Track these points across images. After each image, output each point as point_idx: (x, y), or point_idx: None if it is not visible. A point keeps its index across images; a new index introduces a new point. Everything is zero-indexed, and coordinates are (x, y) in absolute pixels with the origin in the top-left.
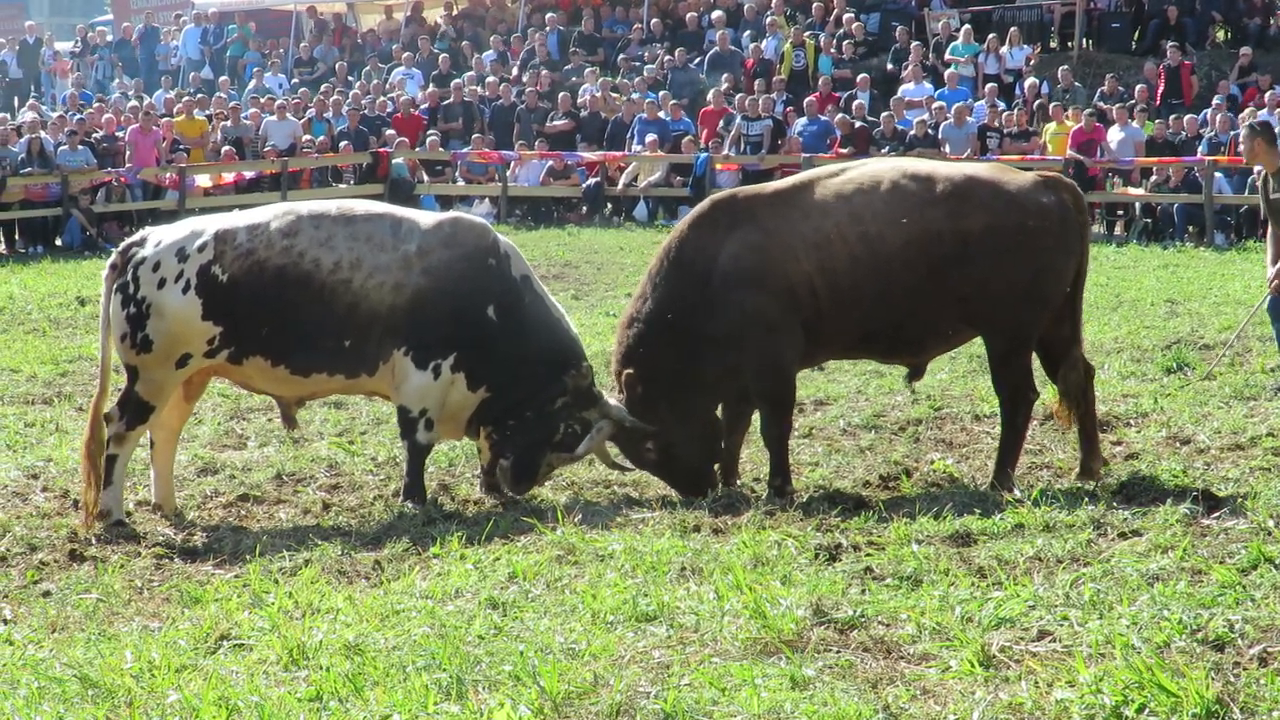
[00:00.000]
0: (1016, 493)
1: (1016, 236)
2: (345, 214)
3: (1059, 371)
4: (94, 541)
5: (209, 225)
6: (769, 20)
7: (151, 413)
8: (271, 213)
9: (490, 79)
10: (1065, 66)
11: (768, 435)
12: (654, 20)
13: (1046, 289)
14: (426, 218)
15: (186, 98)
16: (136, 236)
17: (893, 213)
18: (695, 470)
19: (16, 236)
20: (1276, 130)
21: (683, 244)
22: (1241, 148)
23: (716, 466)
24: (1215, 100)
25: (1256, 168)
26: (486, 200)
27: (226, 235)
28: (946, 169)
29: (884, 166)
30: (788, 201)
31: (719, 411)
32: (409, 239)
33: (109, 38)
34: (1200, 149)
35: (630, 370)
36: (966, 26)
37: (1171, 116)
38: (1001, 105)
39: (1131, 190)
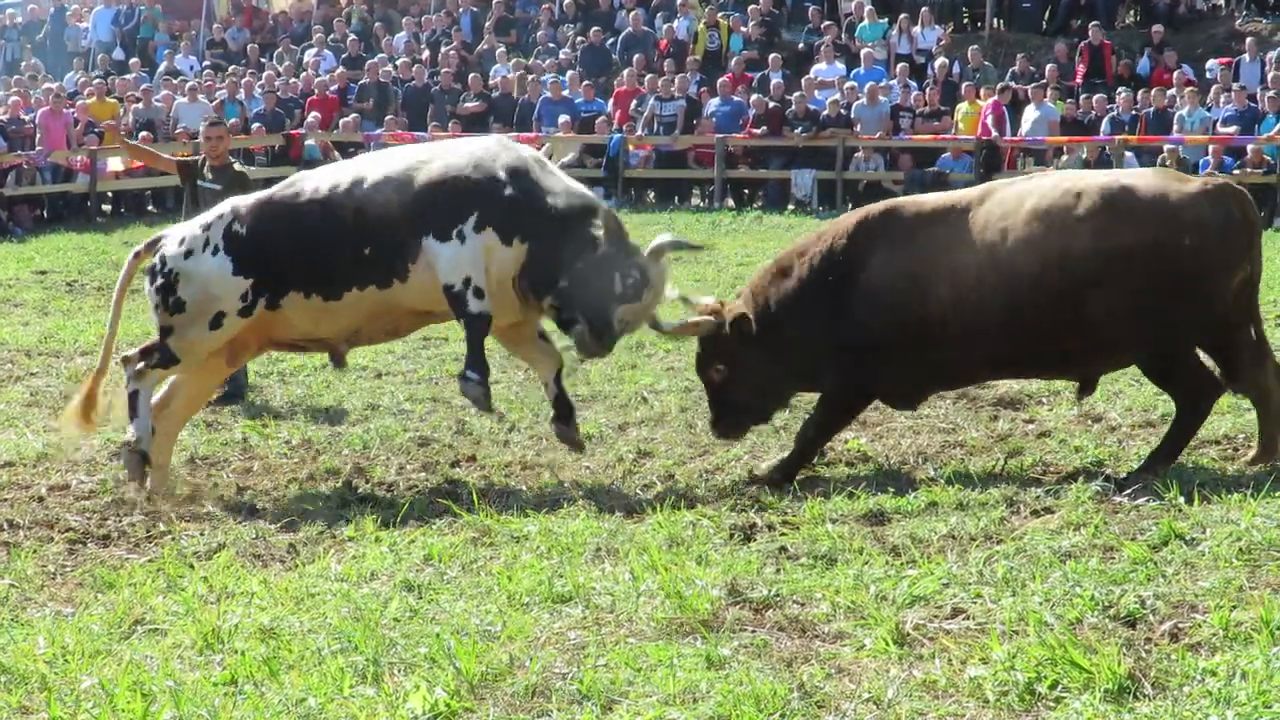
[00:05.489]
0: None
1: (1168, 255)
2: (357, 171)
3: (1243, 377)
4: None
5: (226, 205)
6: (681, 1)
7: (174, 364)
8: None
9: (403, 60)
10: (976, 46)
11: (802, 433)
12: (566, 1)
13: (1198, 308)
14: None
15: (98, 80)
16: (162, 233)
17: (1030, 234)
18: (740, 415)
19: None
20: None
21: (845, 244)
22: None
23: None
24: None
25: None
26: None
27: (239, 202)
28: (1103, 180)
29: (1040, 184)
30: (941, 222)
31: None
32: (401, 157)
33: (18, 20)
34: (1105, 128)
35: (747, 315)
36: (870, 6)
37: (1082, 96)
38: (913, 85)
39: (1046, 170)
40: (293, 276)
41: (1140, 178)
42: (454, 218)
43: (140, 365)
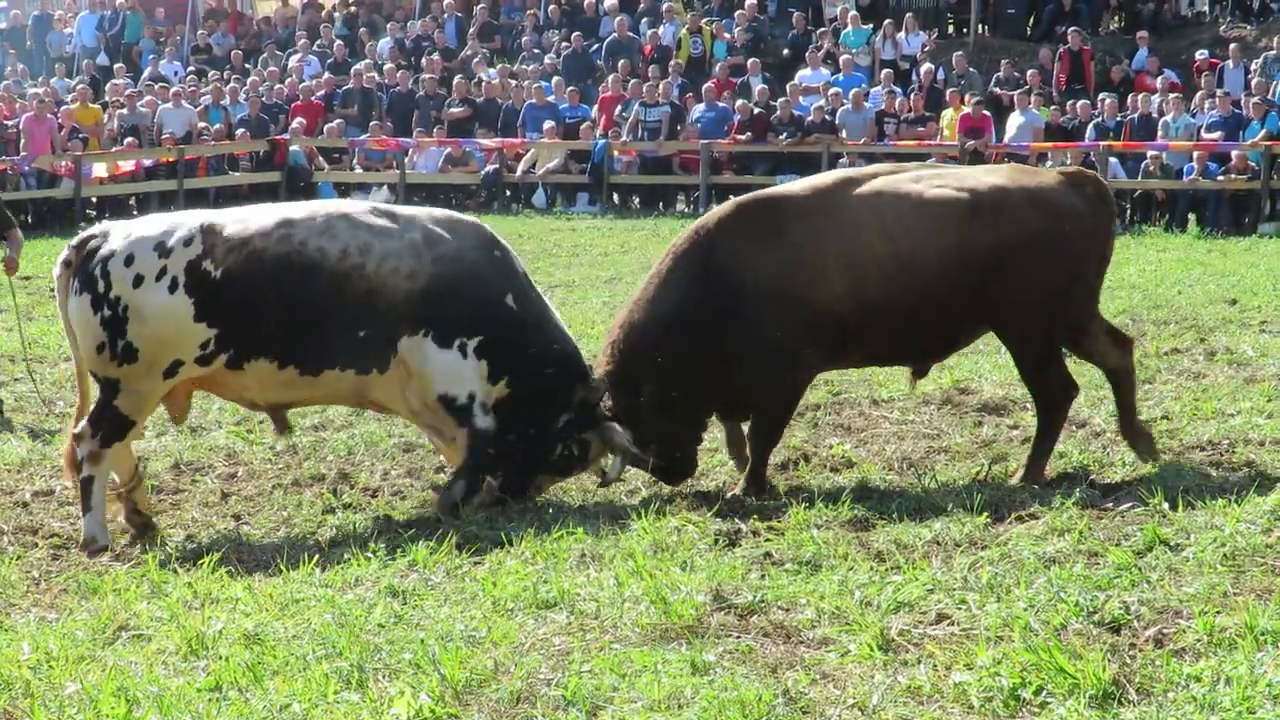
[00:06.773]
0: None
1: (1052, 243)
2: (340, 209)
3: (1109, 355)
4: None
5: (188, 219)
6: (666, 6)
7: (131, 429)
8: (256, 209)
9: (388, 66)
10: (960, 52)
11: (754, 444)
12: (551, 7)
13: (1073, 288)
14: (420, 210)
15: (82, 85)
16: (94, 230)
17: (927, 228)
18: (680, 463)
19: None
20: None
21: (711, 248)
22: None
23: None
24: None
25: None
26: (385, 187)
27: (213, 228)
28: (973, 177)
29: (914, 176)
30: (819, 212)
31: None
32: (410, 228)
33: (1, 25)
34: (1089, 134)
35: (612, 369)
36: (853, 12)
37: (1067, 102)
38: (898, 91)
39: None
40: (271, 342)
41: (1000, 175)
42: (462, 329)
43: (92, 445)
